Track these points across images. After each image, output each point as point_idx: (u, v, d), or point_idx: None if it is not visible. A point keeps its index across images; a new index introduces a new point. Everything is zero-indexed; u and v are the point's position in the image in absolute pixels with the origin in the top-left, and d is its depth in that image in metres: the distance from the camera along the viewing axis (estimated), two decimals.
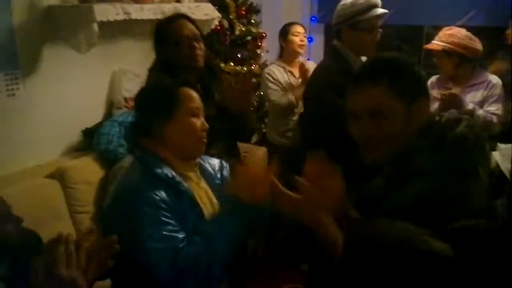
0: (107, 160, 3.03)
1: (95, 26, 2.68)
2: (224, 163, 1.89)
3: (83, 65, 3.08)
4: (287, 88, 3.56)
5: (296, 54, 3.68)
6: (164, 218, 1.50)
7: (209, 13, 3.52)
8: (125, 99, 3.37)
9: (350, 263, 1.05)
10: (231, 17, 3.87)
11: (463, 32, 3.04)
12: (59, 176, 2.84)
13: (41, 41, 2.87)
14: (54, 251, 1.07)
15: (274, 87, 3.57)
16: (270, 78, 3.59)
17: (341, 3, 2.53)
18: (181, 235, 1.51)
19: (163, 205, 1.52)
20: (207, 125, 1.69)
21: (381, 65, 1.37)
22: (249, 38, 3.94)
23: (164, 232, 1.48)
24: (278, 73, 3.61)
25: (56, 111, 3.00)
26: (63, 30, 2.82)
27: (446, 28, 3.10)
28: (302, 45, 3.67)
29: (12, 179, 2.66)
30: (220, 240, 1.50)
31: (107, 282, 1.87)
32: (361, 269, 1.04)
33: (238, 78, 3.71)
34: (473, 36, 3.03)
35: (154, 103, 1.64)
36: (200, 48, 2.36)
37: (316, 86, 2.52)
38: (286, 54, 3.70)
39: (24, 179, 2.69)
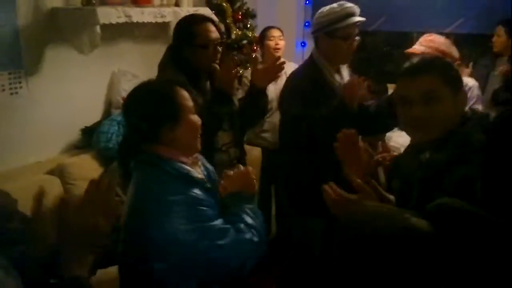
0: (106, 157, 3.12)
1: (98, 28, 2.78)
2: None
3: (83, 65, 3.17)
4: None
5: (272, 55, 3.73)
6: (205, 210, 1.59)
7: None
8: (123, 99, 3.45)
9: (340, 244, 1.15)
10: (227, 21, 3.98)
11: (441, 38, 3.18)
12: (59, 172, 2.93)
13: (44, 41, 2.97)
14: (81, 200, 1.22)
15: None
16: (245, 81, 3.72)
17: (319, 11, 2.55)
18: (226, 226, 1.61)
19: (205, 202, 1.59)
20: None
21: (430, 60, 1.63)
22: (245, 42, 4.05)
23: (217, 226, 1.58)
24: None
25: (57, 110, 3.09)
26: (66, 31, 2.91)
27: (427, 34, 3.23)
28: (277, 49, 3.75)
29: (13, 175, 2.74)
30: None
31: (112, 269, 1.98)
32: (349, 249, 1.13)
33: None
34: (450, 43, 3.17)
35: (160, 112, 1.63)
36: (220, 52, 2.42)
37: (285, 94, 2.56)
38: (265, 58, 3.81)
39: (24, 175, 2.76)
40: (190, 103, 1.70)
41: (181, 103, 1.67)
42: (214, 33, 2.38)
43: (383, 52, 5.87)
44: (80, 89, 3.22)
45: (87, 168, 3.06)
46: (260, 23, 4.16)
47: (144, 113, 1.64)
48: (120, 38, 3.42)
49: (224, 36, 3.97)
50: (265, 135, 3.70)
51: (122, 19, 2.92)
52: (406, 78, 1.55)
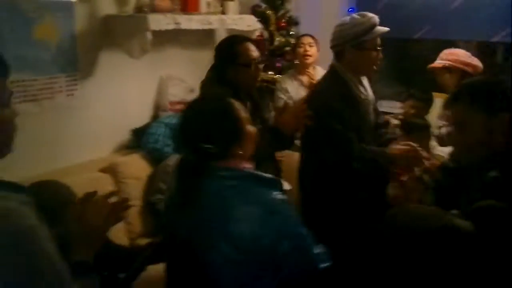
0: (154, 158, 3.26)
1: (149, 34, 2.93)
2: None
3: (134, 70, 3.34)
4: (294, 96, 3.71)
5: (303, 63, 3.83)
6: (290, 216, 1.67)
7: (251, 25, 3.74)
8: (171, 103, 3.60)
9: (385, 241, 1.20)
10: (271, 28, 4.09)
11: (461, 51, 3.22)
12: (111, 170, 3.09)
13: (98, 47, 3.15)
14: (84, 205, 1.40)
15: (281, 95, 3.77)
16: (278, 86, 3.82)
17: (339, 24, 2.51)
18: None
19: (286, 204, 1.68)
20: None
21: (465, 87, 1.67)
22: (287, 48, 4.14)
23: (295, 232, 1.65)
24: (288, 82, 3.82)
25: (109, 111, 3.26)
26: (118, 37, 3.08)
27: (447, 49, 3.26)
28: (307, 56, 3.80)
29: (68, 172, 2.89)
30: None
31: (160, 266, 2.08)
32: (393, 246, 1.18)
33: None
34: (471, 55, 3.18)
35: (226, 133, 1.68)
36: (261, 70, 2.52)
37: (315, 112, 2.37)
38: (296, 64, 3.90)
39: (79, 172, 2.92)
40: (245, 113, 1.75)
41: (241, 117, 1.72)
42: (255, 52, 2.44)
43: (428, 60, 5.84)
44: (130, 92, 3.39)
45: (136, 167, 3.21)
46: (303, 31, 4.24)
47: (210, 136, 1.66)
48: (168, 44, 3.57)
49: (267, 43, 4.10)
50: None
51: (171, 26, 3.06)
52: (446, 106, 1.70)
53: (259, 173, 1.73)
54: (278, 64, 4.13)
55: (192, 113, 1.77)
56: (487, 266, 1.03)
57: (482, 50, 4.40)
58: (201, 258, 1.65)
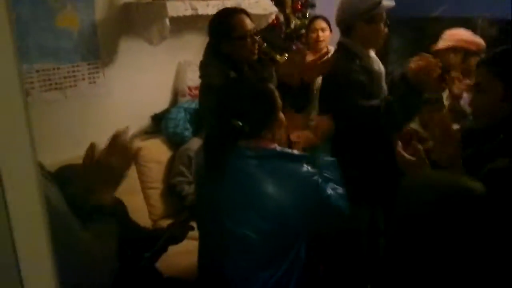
0: (174, 142, 3.35)
1: (167, 21, 2.99)
2: None
3: (153, 56, 3.40)
4: None
5: (316, 48, 3.76)
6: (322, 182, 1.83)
7: (267, 8, 3.76)
8: (189, 88, 3.67)
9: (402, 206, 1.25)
10: (287, 11, 4.10)
11: (463, 31, 3.27)
12: None
13: (118, 34, 3.22)
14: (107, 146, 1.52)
15: None
16: None
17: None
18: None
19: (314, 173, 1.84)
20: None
21: (492, 53, 1.79)
22: (303, 31, 4.15)
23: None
24: None
25: (129, 98, 3.33)
26: (137, 24, 3.14)
27: (449, 30, 3.27)
28: (319, 41, 3.76)
29: None
30: None
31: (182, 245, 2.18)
32: (409, 209, 1.23)
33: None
34: (472, 34, 3.23)
35: (263, 114, 1.79)
36: (258, 42, 2.45)
37: (338, 88, 2.46)
38: (310, 47, 3.84)
39: None
40: (279, 100, 1.84)
41: (278, 104, 1.82)
42: (250, 24, 2.40)
43: None
44: (150, 78, 3.46)
45: (157, 151, 3.31)
46: (319, 12, 4.24)
47: (245, 115, 1.76)
48: (186, 30, 3.62)
49: (283, 26, 4.12)
50: None
51: (189, 12, 3.11)
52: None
53: (286, 150, 1.84)
54: (294, 47, 4.15)
55: (232, 90, 1.86)
56: (501, 228, 1.05)
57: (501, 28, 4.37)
58: (232, 232, 1.78)
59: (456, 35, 3.25)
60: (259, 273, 1.77)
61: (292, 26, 4.14)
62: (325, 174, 1.90)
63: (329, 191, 1.82)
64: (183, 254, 2.39)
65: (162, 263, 2.16)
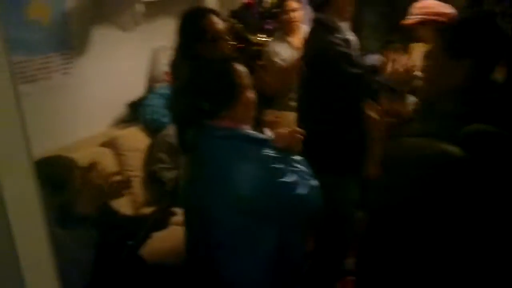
0: (152, 129, 3.35)
1: (140, 7, 2.95)
2: None
3: (127, 43, 3.38)
4: (287, 58, 3.62)
5: (290, 28, 3.70)
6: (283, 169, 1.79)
7: None
8: (165, 73, 3.64)
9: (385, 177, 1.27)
10: None
11: (431, 1, 3.17)
12: (111, 144, 3.18)
13: (90, 23, 3.17)
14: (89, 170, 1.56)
15: (275, 58, 3.61)
16: (269, 50, 3.69)
17: None
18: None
19: (279, 161, 1.79)
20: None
21: (441, 29, 1.78)
22: (277, 10, 4.12)
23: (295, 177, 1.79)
24: (278, 44, 3.67)
25: (104, 87, 3.31)
26: (109, 11, 3.11)
27: (417, 2, 3.23)
28: (292, 22, 3.68)
29: (70, 148, 2.96)
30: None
31: (165, 232, 2.19)
32: (392, 178, 1.25)
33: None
34: (443, 3, 3.15)
35: (221, 93, 1.79)
36: (230, 41, 2.47)
37: (328, 60, 2.57)
38: (284, 27, 3.75)
39: (81, 148, 3.00)
40: (247, 80, 1.84)
41: (239, 82, 1.81)
42: (221, 25, 2.40)
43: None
44: (125, 66, 3.43)
45: (135, 139, 3.31)
46: None
47: (206, 94, 1.80)
48: (159, 14, 3.59)
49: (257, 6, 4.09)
50: None
51: None
52: None
53: (251, 132, 1.83)
54: (268, 27, 4.12)
55: (195, 72, 1.88)
56: (481, 191, 1.06)
57: None
58: (207, 214, 1.81)
59: (424, 8, 3.16)
60: (234, 256, 1.82)
61: (265, 5, 4.11)
62: (292, 167, 1.85)
63: (290, 179, 1.78)
64: (166, 240, 2.43)
65: (145, 250, 2.19)
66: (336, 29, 2.58)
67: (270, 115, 3.18)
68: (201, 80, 1.83)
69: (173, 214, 2.32)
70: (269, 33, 4.08)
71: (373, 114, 1.88)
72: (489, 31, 1.54)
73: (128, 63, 3.46)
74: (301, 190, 1.77)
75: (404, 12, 3.39)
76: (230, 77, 1.80)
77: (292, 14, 3.71)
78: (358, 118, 2.45)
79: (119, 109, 3.50)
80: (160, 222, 2.28)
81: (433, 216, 1.10)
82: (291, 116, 3.60)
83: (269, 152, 1.79)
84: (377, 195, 1.34)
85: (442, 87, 1.56)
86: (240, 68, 1.84)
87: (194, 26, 2.37)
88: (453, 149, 1.11)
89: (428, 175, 1.12)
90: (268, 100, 2.52)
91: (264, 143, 1.83)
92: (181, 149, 2.16)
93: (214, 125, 1.81)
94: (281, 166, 1.78)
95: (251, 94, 1.84)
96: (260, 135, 1.86)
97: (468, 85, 1.49)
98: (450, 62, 1.53)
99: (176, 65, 2.47)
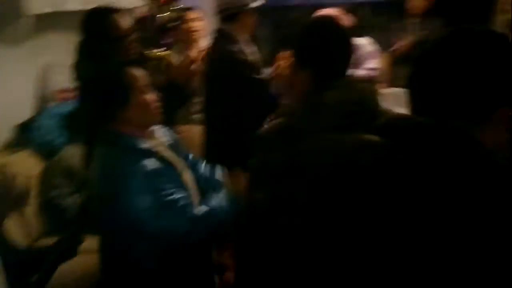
0: (46, 152, 3.06)
1: (26, 20, 2.71)
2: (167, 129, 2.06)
3: (14, 59, 3.07)
4: None
5: (190, 39, 3.65)
6: (161, 185, 1.69)
7: (133, 2, 3.61)
8: (57, 92, 3.38)
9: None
10: (155, 4, 3.96)
11: (332, 11, 3.32)
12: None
13: None
14: None
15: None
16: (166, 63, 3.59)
17: None
18: (180, 195, 1.73)
19: (156, 174, 1.70)
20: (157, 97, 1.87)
21: None
22: (173, 24, 4.03)
23: (166, 199, 1.68)
24: (176, 58, 3.59)
25: None
26: None
27: (318, 10, 3.37)
28: (194, 31, 3.64)
29: None
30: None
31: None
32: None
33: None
34: (341, 15, 3.32)
35: (111, 94, 1.76)
36: (137, 40, 2.49)
37: (231, 68, 2.77)
38: (184, 39, 3.70)
39: None
40: (142, 82, 1.80)
41: (132, 84, 1.77)
42: (126, 23, 2.43)
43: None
44: (12, 85, 3.10)
45: (27, 165, 3.00)
46: (187, 4, 4.15)
47: (98, 98, 1.79)
48: (47, 28, 3.32)
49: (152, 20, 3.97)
50: None
51: (50, 8, 2.86)
52: None
53: (136, 142, 1.76)
54: (165, 41, 4.01)
55: (89, 77, 1.92)
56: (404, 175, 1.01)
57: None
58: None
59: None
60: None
61: (160, 19, 4.00)
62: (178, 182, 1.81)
63: (175, 196, 1.73)
64: (76, 269, 2.22)
65: (54, 283, 2.03)
66: (238, 41, 2.79)
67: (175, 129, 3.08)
68: (96, 81, 1.84)
69: (81, 241, 2.15)
70: (167, 48, 3.98)
71: None
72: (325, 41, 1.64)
73: (15, 81, 3.14)
74: (181, 203, 1.73)
75: (297, 26, 3.48)
76: (121, 79, 1.78)
77: (192, 24, 3.65)
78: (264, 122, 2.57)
79: (6, 132, 3.15)
80: (67, 251, 2.12)
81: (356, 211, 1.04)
82: (196, 129, 3.52)
83: (150, 165, 1.72)
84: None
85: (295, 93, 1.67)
86: (135, 70, 1.82)
87: (99, 24, 2.35)
88: (373, 137, 1.09)
89: (352, 164, 1.07)
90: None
91: (147, 154, 1.76)
92: (85, 167, 2.07)
93: (108, 129, 1.79)
94: (163, 179, 1.72)
95: (148, 97, 1.81)
96: (144, 145, 1.77)
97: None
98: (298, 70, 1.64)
99: (79, 65, 2.39)
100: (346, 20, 3.34)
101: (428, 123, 0.99)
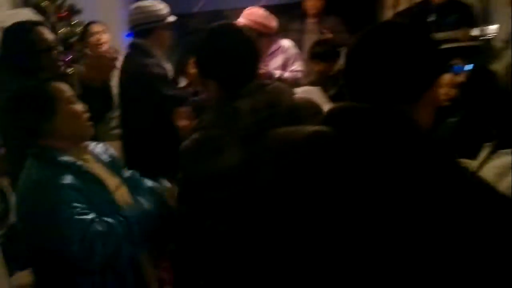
0: None
1: None
2: (105, 145, 2.04)
3: None
4: None
5: (98, 50, 3.61)
6: (74, 203, 1.63)
7: (30, 19, 3.43)
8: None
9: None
10: (52, 20, 3.80)
11: (260, 11, 3.43)
12: None
13: None
14: None
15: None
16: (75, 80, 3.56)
17: (140, 6, 2.83)
18: (90, 216, 1.66)
19: (72, 190, 1.65)
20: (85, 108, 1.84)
21: None
22: (74, 39, 3.90)
23: (75, 216, 1.62)
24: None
25: None
26: None
27: (247, 8, 3.47)
28: (101, 44, 3.69)
29: None
30: (137, 223, 1.76)
31: (27, 272, 1.97)
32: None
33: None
34: (268, 15, 3.43)
35: (35, 108, 1.74)
36: (60, 52, 2.55)
37: (143, 81, 2.73)
38: (89, 54, 3.54)
39: None
40: (67, 94, 1.79)
41: (56, 96, 1.76)
42: (51, 35, 2.45)
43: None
44: None
45: None
46: (86, 18, 4.04)
47: (22, 114, 1.76)
48: None
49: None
50: None
51: None
52: None
53: (56, 155, 1.72)
54: (67, 58, 3.86)
55: (13, 95, 1.83)
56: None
57: None
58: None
59: (252, 15, 3.35)
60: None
61: (61, 35, 3.84)
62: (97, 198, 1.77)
63: (88, 216, 1.67)
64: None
65: None
66: (152, 55, 2.78)
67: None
68: (16, 100, 1.80)
69: None
70: (70, 65, 3.84)
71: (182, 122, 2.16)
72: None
73: None
74: (100, 228, 1.67)
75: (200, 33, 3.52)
76: (44, 94, 1.76)
77: (98, 37, 3.60)
78: (175, 133, 2.64)
79: None
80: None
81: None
82: (114, 144, 3.44)
83: (67, 179, 1.68)
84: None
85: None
86: (57, 84, 1.81)
87: (24, 37, 2.34)
88: (322, 127, 1.12)
89: (302, 155, 1.10)
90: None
91: (67, 168, 1.72)
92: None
93: (36, 144, 1.77)
94: (76, 194, 1.68)
95: (75, 107, 1.80)
96: (65, 158, 1.73)
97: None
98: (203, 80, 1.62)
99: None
100: (273, 21, 3.41)
101: (369, 108, 1.07)
